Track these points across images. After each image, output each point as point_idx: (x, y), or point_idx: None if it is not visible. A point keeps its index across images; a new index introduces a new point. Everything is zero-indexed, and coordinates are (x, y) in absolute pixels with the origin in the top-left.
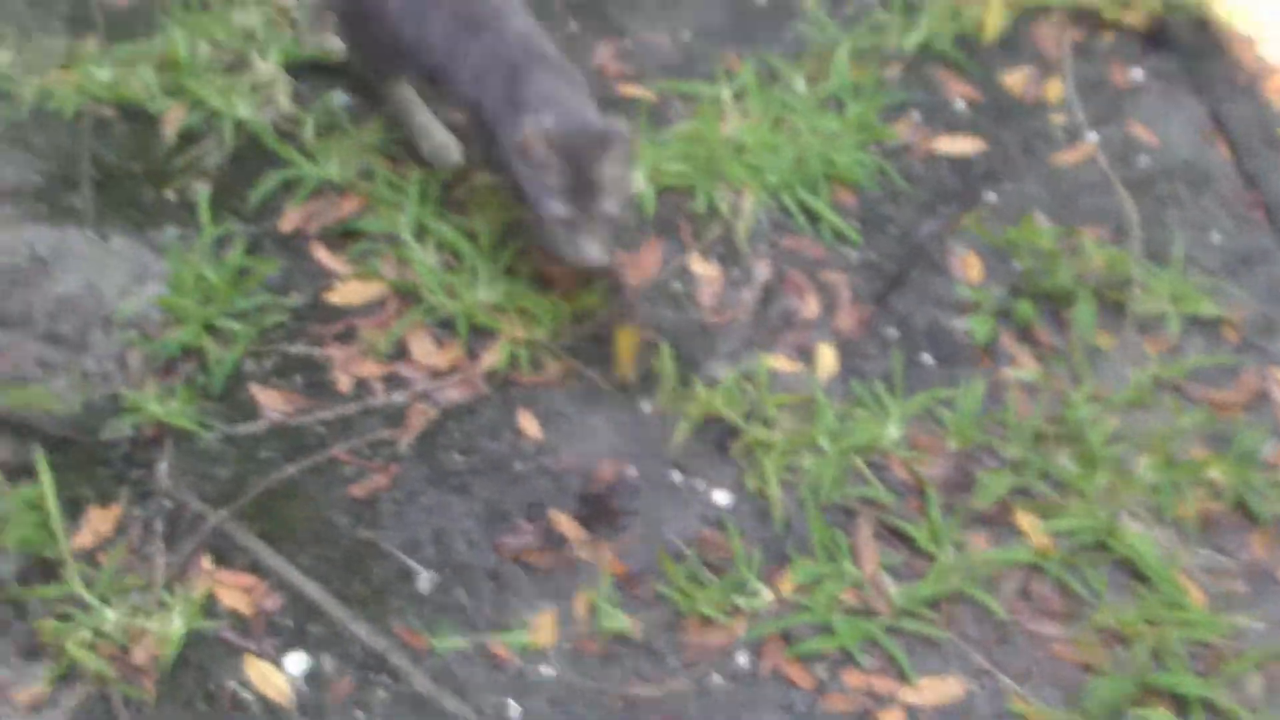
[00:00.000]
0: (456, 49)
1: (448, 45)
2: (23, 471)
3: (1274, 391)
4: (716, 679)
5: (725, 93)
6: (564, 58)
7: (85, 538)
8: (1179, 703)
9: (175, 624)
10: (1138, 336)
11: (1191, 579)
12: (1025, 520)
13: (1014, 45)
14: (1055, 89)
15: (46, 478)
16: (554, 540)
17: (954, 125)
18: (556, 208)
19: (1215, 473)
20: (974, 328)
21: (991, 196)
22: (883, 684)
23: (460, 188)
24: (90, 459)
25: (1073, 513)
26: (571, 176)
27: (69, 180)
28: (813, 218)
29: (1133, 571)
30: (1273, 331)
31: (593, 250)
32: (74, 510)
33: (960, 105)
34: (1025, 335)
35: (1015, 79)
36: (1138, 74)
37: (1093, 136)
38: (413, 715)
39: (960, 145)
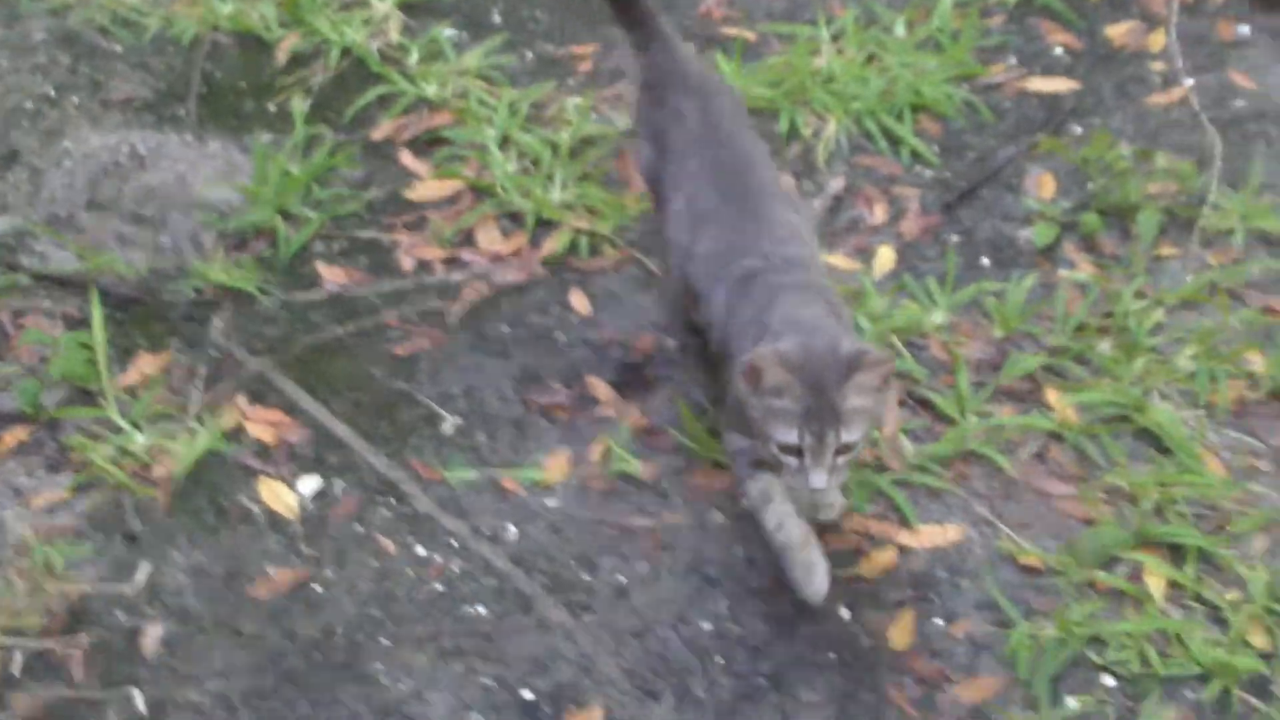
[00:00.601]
0: (719, 269)
1: (711, 266)
2: (84, 324)
3: None
4: (716, 516)
5: (823, 33)
6: (830, 285)
7: (131, 376)
8: (1176, 554)
9: (198, 445)
10: (1202, 249)
11: (1214, 454)
12: (1053, 395)
13: (1121, 2)
14: (1158, 40)
15: (98, 318)
16: (585, 401)
17: (1050, 69)
18: (786, 435)
19: (1256, 364)
20: (1036, 234)
21: (1077, 130)
22: (881, 528)
23: (553, 107)
24: (150, 316)
25: (1101, 389)
26: (809, 401)
27: (178, 95)
28: (893, 141)
29: (1155, 445)
30: None
31: (819, 481)
32: (126, 357)
33: (1059, 51)
34: (1088, 245)
35: (1118, 31)
36: (1244, 30)
37: (1189, 82)
38: (410, 532)
39: (1053, 85)
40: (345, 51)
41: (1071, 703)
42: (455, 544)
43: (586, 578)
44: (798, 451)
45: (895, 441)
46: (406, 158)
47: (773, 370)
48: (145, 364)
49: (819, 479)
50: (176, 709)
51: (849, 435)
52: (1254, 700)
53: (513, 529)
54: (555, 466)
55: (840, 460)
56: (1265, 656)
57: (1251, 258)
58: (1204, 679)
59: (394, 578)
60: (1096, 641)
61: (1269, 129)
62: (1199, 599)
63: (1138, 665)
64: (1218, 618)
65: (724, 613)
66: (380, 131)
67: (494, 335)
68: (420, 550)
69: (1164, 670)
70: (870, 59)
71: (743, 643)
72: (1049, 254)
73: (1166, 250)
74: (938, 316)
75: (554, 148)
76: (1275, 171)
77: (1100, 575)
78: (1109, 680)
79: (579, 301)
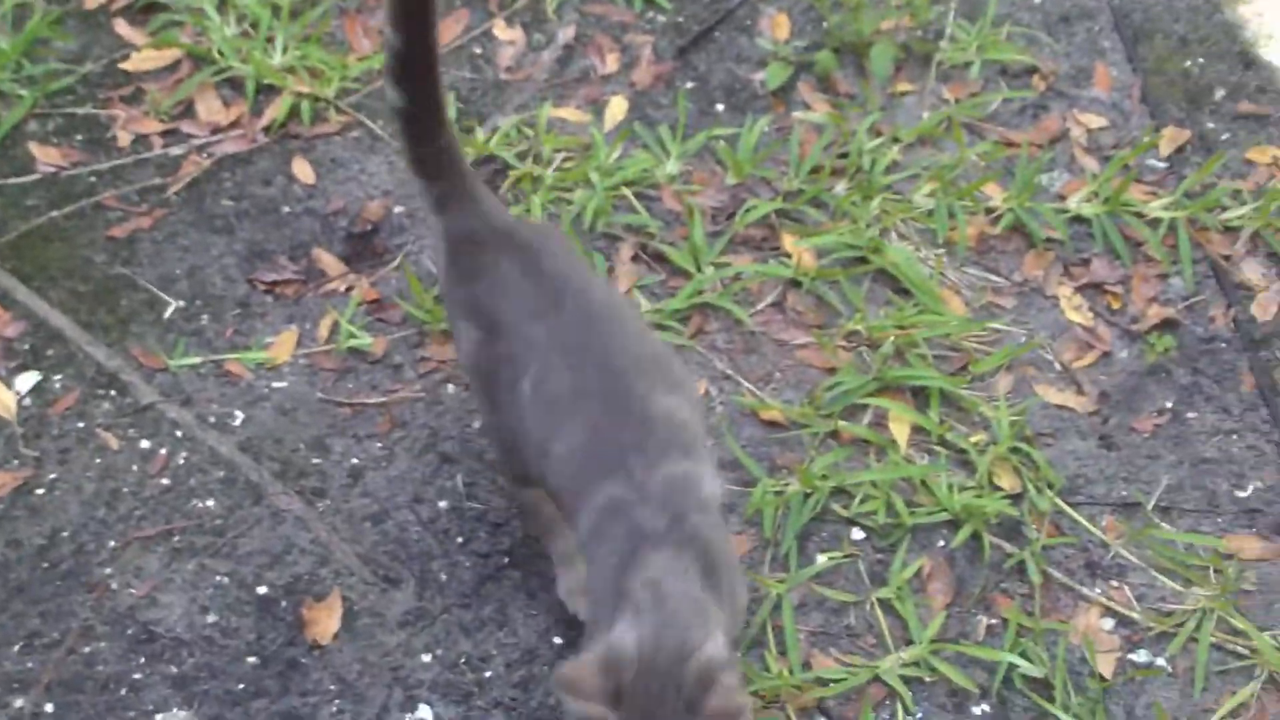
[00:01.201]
0: (584, 484)
1: (574, 475)
2: None
3: (1074, 131)
4: (449, 389)
5: None
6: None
7: None
8: (920, 398)
9: None
10: (939, 84)
11: (956, 293)
12: (789, 241)
13: None
14: None
15: None
16: (312, 275)
17: None
18: None
19: (996, 198)
20: (769, 76)
21: None
22: None
23: None
24: None
25: (838, 231)
26: None
27: None
28: None
29: (895, 287)
30: (1083, 81)
31: None
32: None
33: None
34: (824, 85)
35: None
36: None
37: None
38: (133, 425)
39: None
40: None
41: (821, 559)
42: (180, 434)
43: (318, 462)
44: None
45: (630, 298)
46: (122, 26)
47: (590, 693)
48: None
49: None
50: None
51: None
52: (1005, 544)
53: (240, 415)
54: (282, 346)
55: None
56: (1014, 498)
57: (990, 90)
58: (954, 525)
59: (119, 474)
60: (843, 494)
61: None
62: (944, 443)
63: (885, 515)
64: (964, 461)
65: (461, 490)
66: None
67: (216, 211)
68: (144, 443)
69: (912, 519)
70: None
71: (482, 520)
72: (783, 96)
73: (903, 87)
74: (670, 166)
75: (274, 8)
76: (1012, 2)
77: (843, 425)
78: (858, 533)
79: (303, 170)
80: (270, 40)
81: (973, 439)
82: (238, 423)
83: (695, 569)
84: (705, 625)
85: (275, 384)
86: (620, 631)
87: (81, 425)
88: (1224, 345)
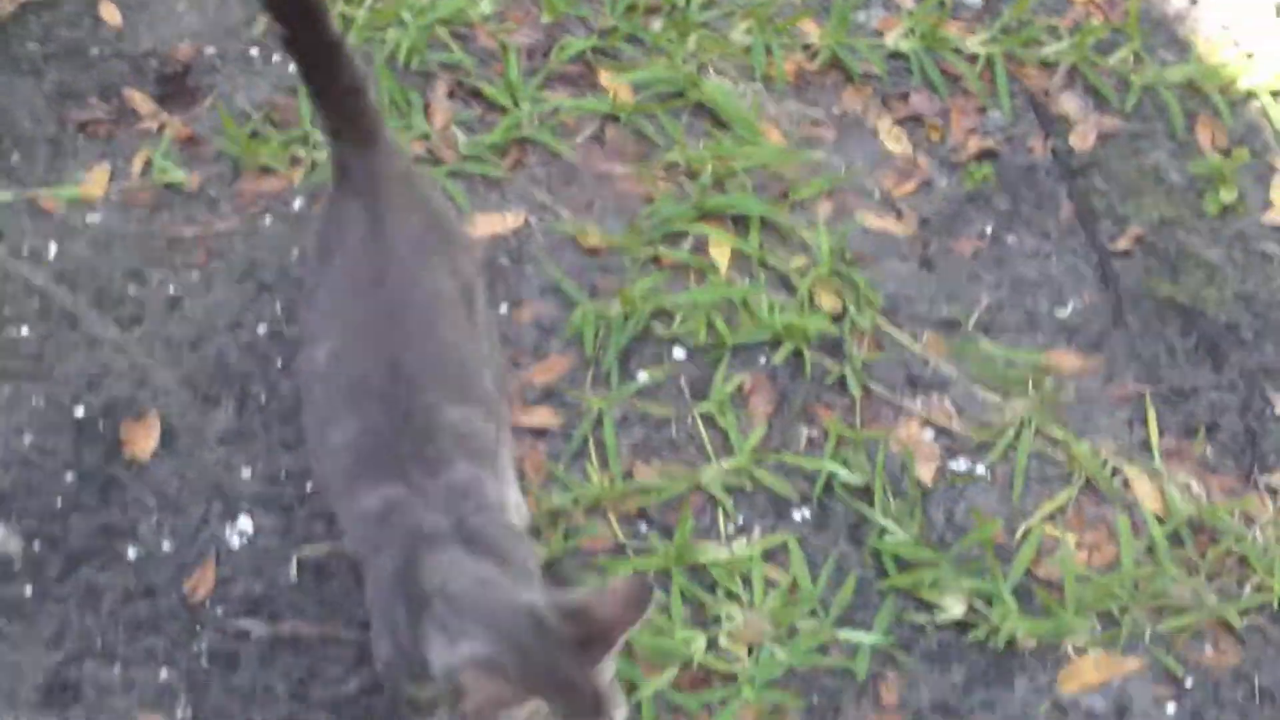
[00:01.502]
0: (354, 484)
1: (345, 472)
2: None
3: None
4: (268, 220)
5: None
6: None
7: None
8: (740, 226)
9: None
10: None
11: (775, 126)
12: (605, 77)
13: None
14: None
15: None
16: (125, 115)
17: None
18: None
19: (812, 35)
20: None
21: None
22: None
23: None
24: None
25: (655, 67)
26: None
27: None
28: None
29: (714, 120)
30: None
31: None
32: None
33: None
34: None
35: None
36: None
37: None
38: None
39: None
40: None
41: (643, 376)
42: None
43: (135, 291)
44: None
45: (448, 133)
46: None
47: (504, 700)
48: None
49: None
50: None
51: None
52: (827, 360)
53: (54, 247)
54: (95, 182)
55: None
56: (835, 318)
57: None
58: (775, 344)
59: None
60: (664, 315)
61: None
62: (765, 266)
63: (706, 335)
64: (786, 284)
65: (279, 315)
66: None
67: (23, 54)
68: None
69: (733, 338)
70: None
71: (300, 343)
72: None
73: None
74: (485, 5)
75: None
76: None
77: (664, 251)
78: (679, 352)
79: (109, 13)
80: None
81: (793, 263)
82: (52, 255)
83: (484, 557)
84: (519, 585)
85: (90, 218)
86: (446, 655)
87: None
88: (1043, 174)
